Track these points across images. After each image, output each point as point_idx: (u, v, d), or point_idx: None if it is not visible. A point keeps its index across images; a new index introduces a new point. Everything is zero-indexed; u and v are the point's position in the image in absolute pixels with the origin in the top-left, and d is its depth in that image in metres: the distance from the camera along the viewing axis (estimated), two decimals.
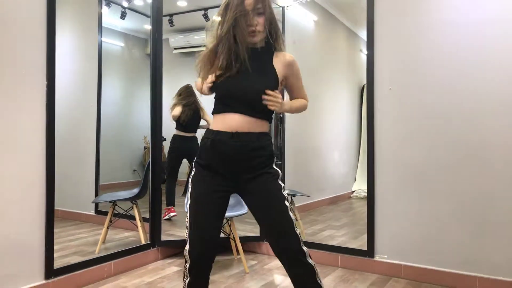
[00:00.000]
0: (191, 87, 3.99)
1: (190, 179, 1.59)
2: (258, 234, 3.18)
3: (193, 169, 1.59)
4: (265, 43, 1.60)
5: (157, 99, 3.07)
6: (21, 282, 2.16)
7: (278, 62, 1.61)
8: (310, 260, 1.51)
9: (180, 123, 3.88)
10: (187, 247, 1.54)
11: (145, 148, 4.43)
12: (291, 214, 1.53)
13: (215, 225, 1.54)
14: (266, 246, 3.17)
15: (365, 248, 2.77)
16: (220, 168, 1.54)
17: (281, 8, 4.03)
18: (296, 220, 2.85)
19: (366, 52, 2.93)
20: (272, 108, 1.53)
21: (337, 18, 5.14)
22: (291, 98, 1.74)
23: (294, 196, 3.52)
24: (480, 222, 2.42)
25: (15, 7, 2.15)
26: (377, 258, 2.73)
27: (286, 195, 1.54)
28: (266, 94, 1.52)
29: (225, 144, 1.52)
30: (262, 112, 1.56)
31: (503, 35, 2.38)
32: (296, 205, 3.60)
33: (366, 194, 4.87)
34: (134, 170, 4.44)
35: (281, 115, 3.92)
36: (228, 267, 2.84)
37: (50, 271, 2.28)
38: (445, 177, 2.53)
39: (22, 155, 2.18)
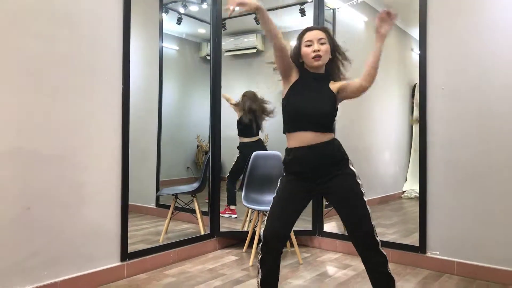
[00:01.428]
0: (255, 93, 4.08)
1: (280, 179, 1.91)
2: (311, 229, 3.32)
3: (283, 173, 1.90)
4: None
5: (216, 99, 3.30)
6: (100, 263, 2.46)
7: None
8: (383, 250, 1.76)
9: (240, 128, 4.02)
10: (263, 229, 1.83)
11: (197, 146, 4.70)
12: (368, 208, 1.77)
13: (291, 217, 1.84)
14: (318, 240, 3.32)
15: (417, 244, 2.84)
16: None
17: (331, 11, 4.14)
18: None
19: (417, 52, 2.99)
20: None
21: None
22: (350, 91, 1.88)
23: None
24: None
25: (96, 18, 2.46)
26: (429, 254, 2.79)
27: (363, 191, 1.78)
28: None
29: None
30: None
31: None
32: None
33: (417, 194, 4.86)
34: (188, 167, 4.72)
35: None
36: (283, 258, 3.00)
37: (125, 254, 2.57)
38: (498, 176, 2.56)
39: (103, 151, 2.49)
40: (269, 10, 4.91)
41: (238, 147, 4.07)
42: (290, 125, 1.85)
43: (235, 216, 4.00)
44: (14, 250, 2.10)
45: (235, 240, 3.35)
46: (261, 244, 1.82)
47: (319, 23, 3.46)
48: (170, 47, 4.38)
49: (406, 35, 5.59)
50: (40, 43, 2.21)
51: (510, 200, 2.52)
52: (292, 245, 3.19)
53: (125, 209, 2.59)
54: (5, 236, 2.07)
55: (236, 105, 4.05)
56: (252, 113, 3.91)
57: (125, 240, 2.58)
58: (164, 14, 4.15)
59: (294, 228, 3.19)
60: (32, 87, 2.18)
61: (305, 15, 4.04)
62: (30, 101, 2.18)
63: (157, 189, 4.03)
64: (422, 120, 2.85)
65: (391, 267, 2.79)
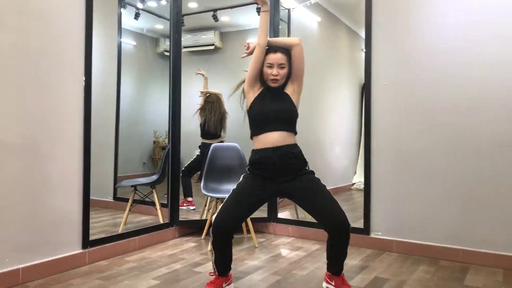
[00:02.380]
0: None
1: (243, 175, 2.16)
2: (266, 216, 3.55)
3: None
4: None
5: (176, 93, 3.43)
6: (62, 250, 2.55)
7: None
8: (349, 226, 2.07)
9: (203, 130, 4.23)
10: (216, 214, 2.04)
11: (154, 142, 4.78)
12: (334, 197, 2.06)
13: (243, 212, 2.09)
14: (272, 227, 3.54)
15: (362, 227, 3.14)
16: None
17: (287, 10, 4.37)
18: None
19: (364, 50, 3.27)
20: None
21: (340, 19, 5.46)
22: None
23: None
24: (465, 201, 2.79)
25: (59, 13, 2.53)
26: (372, 235, 3.10)
27: (324, 185, 2.09)
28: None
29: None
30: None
31: (487, 36, 2.74)
32: None
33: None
34: (144, 163, 4.78)
35: None
36: (240, 243, 3.22)
37: (86, 242, 2.67)
38: (432, 164, 2.90)
39: (67, 144, 2.57)
40: (227, 8, 5.06)
41: (199, 147, 4.24)
42: (256, 128, 2.11)
43: (193, 207, 4.15)
44: None
45: (194, 228, 3.51)
46: (212, 227, 2.03)
47: (274, 23, 3.68)
48: (128, 42, 4.42)
49: (356, 36, 5.93)
50: (5, 36, 2.26)
51: (442, 185, 2.86)
52: (248, 232, 3.40)
53: (87, 199, 2.68)
54: None
55: (202, 109, 4.24)
56: (217, 116, 4.14)
57: (87, 228, 2.67)
58: (121, 9, 4.19)
59: (251, 216, 3.42)
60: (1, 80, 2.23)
61: None
62: None
63: (115, 183, 4.08)
64: (367, 114, 3.15)
65: None
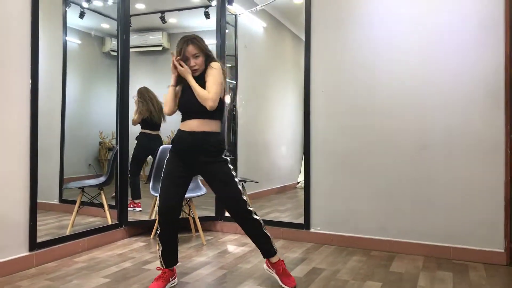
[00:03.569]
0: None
1: (166, 159, 2.34)
2: (214, 215, 3.71)
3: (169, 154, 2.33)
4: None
5: (124, 94, 3.50)
6: (9, 253, 2.56)
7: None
8: (255, 216, 2.30)
9: (148, 122, 4.26)
10: (157, 206, 2.26)
11: (100, 143, 4.77)
12: (239, 186, 2.29)
13: (177, 191, 2.30)
14: (220, 225, 3.71)
15: (303, 222, 3.39)
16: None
17: (234, 16, 4.54)
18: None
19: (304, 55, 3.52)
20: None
21: (284, 25, 5.71)
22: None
23: (245, 182, 4.08)
24: (390, 196, 3.12)
25: (4, 10, 2.53)
26: (312, 230, 3.36)
27: (234, 174, 2.31)
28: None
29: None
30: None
31: (406, 47, 3.08)
32: (247, 193, 4.14)
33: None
34: (90, 164, 4.75)
35: (234, 112, 4.45)
36: (188, 241, 3.36)
37: (33, 244, 2.69)
38: (364, 160, 3.21)
39: (11, 145, 2.57)
40: (174, 10, 5.15)
41: (136, 138, 4.25)
42: (182, 116, 2.34)
43: (140, 209, 4.20)
44: None
45: (143, 229, 3.60)
46: (158, 219, 2.26)
47: (221, 27, 3.85)
48: (73, 41, 4.37)
49: (301, 41, 6.20)
50: None
51: (371, 182, 3.18)
52: (197, 230, 3.55)
53: (34, 201, 2.70)
54: None
55: (141, 102, 4.27)
56: (159, 105, 4.23)
57: (34, 230, 2.70)
58: (66, 8, 4.15)
59: (199, 214, 3.57)
60: None
61: (209, 18, 4.35)
62: None
63: (61, 185, 4.05)
64: (307, 117, 3.40)
65: (282, 242, 3.33)
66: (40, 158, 2.77)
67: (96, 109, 4.68)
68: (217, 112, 2.30)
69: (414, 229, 3.04)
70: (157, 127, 4.25)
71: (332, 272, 2.65)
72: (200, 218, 3.46)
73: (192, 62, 2.25)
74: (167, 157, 2.35)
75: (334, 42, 3.34)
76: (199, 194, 3.34)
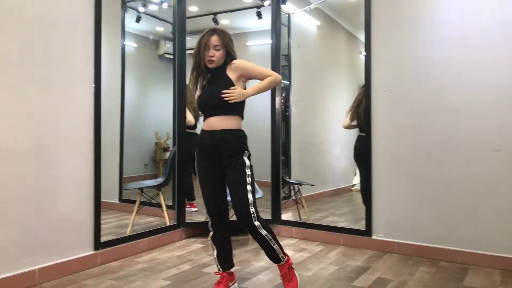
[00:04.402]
0: None
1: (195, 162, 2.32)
2: (270, 217, 3.64)
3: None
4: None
5: (181, 95, 3.51)
6: (75, 252, 2.63)
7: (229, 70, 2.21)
8: (262, 231, 2.14)
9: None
10: (206, 210, 2.29)
11: (156, 143, 4.85)
12: (249, 196, 2.12)
13: (217, 193, 2.27)
14: (277, 228, 3.64)
15: (364, 228, 3.23)
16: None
17: (287, 15, 4.45)
18: (303, 206, 3.42)
19: (364, 54, 3.37)
20: (232, 101, 2.13)
21: (338, 23, 5.54)
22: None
23: (300, 185, 3.98)
24: (462, 203, 2.88)
25: (68, 19, 2.61)
26: (374, 236, 3.20)
27: (248, 180, 2.14)
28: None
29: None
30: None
31: (479, 47, 2.84)
32: (302, 195, 4.04)
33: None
34: (146, 164, 4.85)
35: (287, 113, 4.36)
36: (244, 245, 3.31)
37: (98, 244, 2.75)
38: (431, 166, 3.00)
39: (76, 147, 2.64)
40: (227, 11, 5.14)
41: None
42: (203, 116, 2.27)
43: (196, 209, 4.21)
44: None
45: (200, 230, 3.59)
46: (209, 223, 2.27)
47: (276, 27, 3.77)
48: (130, 45, 4.48)
49: (354, 38, 5.99)
50: (16, 44, 2.34)
51: (441, 186, 2.96)
52: None
53: (98, 201, 2.76)
54: None
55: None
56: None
57: (98, 230, 2.76)
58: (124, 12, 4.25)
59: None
60: (7, 87, 2.31)
61: (261, 18, 4.30)
62: (6, 100, 2.30)
63: (120, 185, 4.16)
64: (367, 118, 3.24)
65: (342, 249, 3.19)
66: (102, 159, 2.83)
67: (152, 110, 4.78)
68: (237, 107, 2.20)
69: (488, 239, 2.80)
70: (194, 126, 4.18)
71: (399, 283, 2.49)
72: None
73: (211, 52, 2.15)
74: (196, 165, 2.31)
75: (396, 40, 3.15)
76: (256, 197, 3.27)
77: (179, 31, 3.50)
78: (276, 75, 2.23)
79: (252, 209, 2.11)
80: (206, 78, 2.25)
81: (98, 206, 2.76)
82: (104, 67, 2.86)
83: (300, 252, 3.12)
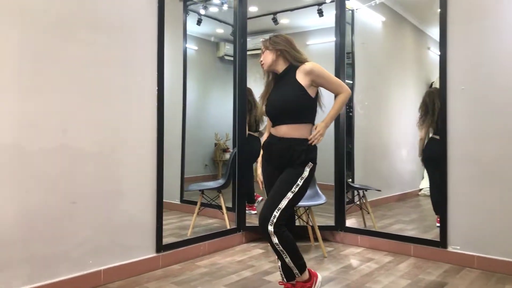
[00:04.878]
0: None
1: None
2: (333, 224, 3.45)
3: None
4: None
5: (242, 97, 3.43)
6: (138, 253, 2.63)
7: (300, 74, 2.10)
8: (274, 239, 1.99)
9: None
10: None
11: (215, 144, 4.84)
12: (283, 201, 2.01)
13: None
14: (340, 236, 3.44)
15: (438, 239, 2.94)
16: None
17: (350, 11, 4.24)
18: (368, 212, 3.19)
19: (433, 50, 3.08)
20: (318, 142, 2.10)
21: (405, 18, 5.21)
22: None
23: (366, 191, 3.74)
24: None
25: (132, 23, 2.61)
26: (450, 248, 2.90)
27: (293, 189, 2.02)
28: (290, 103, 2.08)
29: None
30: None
31: None
32: (368, 200, 3.80)
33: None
34: (206, 165, 4.85)
35: (350, 114, 4.14)
36: (307, 252, 3.16)
37: (160, 246, 2.73)
38: None
39: (140, 148, 2.65)
40: (287, 10, 5.00)
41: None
42: (272, 121, 2.21)
43: (255, 212, 4.13)
44: (62, 241, 2.27)
45: (261, 234, 3.49)
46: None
47: (340, 24, 3.58)
48: (191, 47, 4.50)
49: (422, 34, 5.63)
50: (82, 47, 2.37)
51: None
52: (316, 240, 3.33)
53: (160, 203, 2.75)
54: (54, 228, 2.24)
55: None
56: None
57: (160, 232, 2.74)
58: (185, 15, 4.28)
59: (318, 223, 3.34)
60: (75, 90, 2.35)
61: (322, 16, 4.14)
62: (74, 103, 2.34)
63: (182, 186, 4.18)
64: (442, 118, 2.95)
65: (413, 261, 2.94)
66: (164, 160, 2.82)
67: (212, 112, 4.78)
68: (308, 115, 2.12)
69: None
70: (252, 127, 4.09)
71: None
72: (319, 227, 3.22)
73: (261, 57, 2.20)
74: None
75: (477, 34, 2.82)
76: (319, 203, 3.11)
77: (240, 33, 3.43)
78: (347, 92, 2.13)
79: (275, 213, 1.99)
80: (272, 82, 2.22)
81: (160, 208, 2.74)
82: (166, 70, 2.87)
83: (367, 263, 2.91)
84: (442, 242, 2.92)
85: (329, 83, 2.11)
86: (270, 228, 1.98)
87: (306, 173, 2.06)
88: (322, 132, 2.09)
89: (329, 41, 5.16)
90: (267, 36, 2.22)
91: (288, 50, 2.13)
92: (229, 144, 4.61)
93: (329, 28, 5.43)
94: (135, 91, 2.63)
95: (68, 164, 2.31)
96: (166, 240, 2.88)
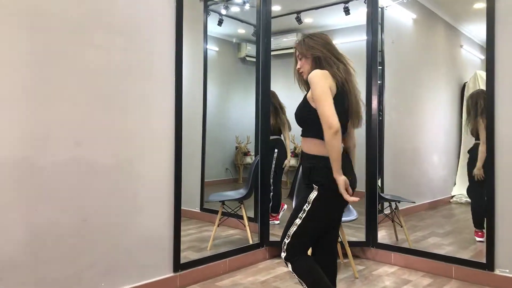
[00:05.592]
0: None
1: None
2: (363, 240, 3.15)
3: None
4: None
5: (266, 100, 3.18)
6: (155, 273, 2.40)
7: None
8: (289, 266, 1.78)
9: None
10: None
11: (236, 148, 4.61)
12: (292, 228, 1.76)
13: None
14: (372, 252, 3.14)
15: (483, 260, 2.62)
16: None
17: (380, 9, 3.94)
18: (401, 226, 2.83)
19: (466, 48, 2.77)
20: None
21: (437, 14, 4.92)
22: None
23: (399, 202, 3.43)
24: None
25: (150, 27, 2.39)
26: (497, 271, 2.57)
27: (300, 215, 1.75)
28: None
29: None
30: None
31: None
32: (399, 209, 3.49)
33: (467, 199, 4.58)
34: (227, 169, 4.63)
35: (380, 118, 3.83)
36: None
37: (177, 265, 2.50)
38: None
39: (157, 160, 2.42)
40: (311, 9, 4.74)
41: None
42: None
43: (278, 222, 3.90)
44: (73, 261, 2.06)
45: None
46: None
47: (372, 21, 3.29)
48: (211, 48, 4.31)
49: (455, 30, 5.28)
50: (98, 53, 2.16)
51: None
52: (345, 256, 3.04)
53: (178, 219, 2.51)
54: (64, 247, 2.03)
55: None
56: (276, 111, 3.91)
57: (178, 251, 2.51)
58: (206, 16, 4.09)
59: (348, 238, 3.06)
60: (90, 97, 2.13)
61: (349, 14, 3.88)
62: (88, 111, 2.13)
63: (202, 193, 3.96)
64: (490, 124, 2.62)
65: (455, 284, 2.62)
66: (183, 166, 2.60)
67: (233, 114, 4.59)
68: (309, 127, 1.77)
69: None
70: (274, 131, 3.88)
71: None
72: (349, 242, 2.93)
73: (298, 64, 1.87)
74: None
75: None
76: (349, 219, 2.81)
77: (264, 33, 3.18)
78: (328, 132, 1.62)
79: (285, 240, 1.78)
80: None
81: (178, 223, 2.51)
82: (187, 72, 2.66)
83: (404, 285, 2.60)
84: (489, 264, 2.59)
85: (316, 103, 1.69)
86: (282, 255, 1.80)
87: (312, 196, 1.72)
88: (339, 184, 1.66)
89: (356, 40, 4.87)
90: (299, 36, 1.93)
91: (325, 57, 1.79)
92: (250, 147, 4.43)
93: (355, 26, 5.13)
94: (152, 97, 2.40)
95: (81, 178, 2.09)
96: (184, 255, 2.67)
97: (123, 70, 2.26)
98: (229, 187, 4.57)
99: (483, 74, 5.20)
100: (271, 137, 3.84)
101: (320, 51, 1.79)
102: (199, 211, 3.96)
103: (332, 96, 1.68)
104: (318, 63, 1.79)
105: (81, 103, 2.10)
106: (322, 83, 1.67)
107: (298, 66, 1.86)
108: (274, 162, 3.84)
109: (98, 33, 2.16)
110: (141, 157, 2.34)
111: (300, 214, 1.75)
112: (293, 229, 1.76)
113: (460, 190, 4.61)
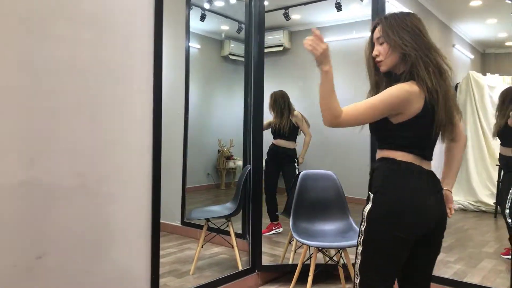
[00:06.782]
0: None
1: None
2: None
3: None
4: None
5: (259, 103, 2.80)
6: None
7: None
8: None
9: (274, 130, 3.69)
10: None
11: (218, 151, 4.25)
12: (357, 259, 1.43)
13: None
14: None
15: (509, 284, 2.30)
16: None
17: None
18: None
19: (458, 47, 2.47)
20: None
21: (431, 12, 4.72)
22: None
23: None
24: None
25: (124, 19, 1.95)
26: None
27: (361, 228, 1.44)
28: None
29: None
30: None
31: None
32: None
33: (461, 206, 4.31)
34: (208, 174, 4.28)
35: None
36: None
37: None
38: None
39: (133, 177, 1.99)
40: (300, 5, 4.34)
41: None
42: None
43: (281, 229, 3.64)
44: None
45: (279, 273, 2.82)
46: None
47: (378, 13, 2.86)
48: (193, 46, 3.92)
49: (448, 30, 5.07)
50: (59, 46, 1.70)
51: None
52: (347, 280, 2.68)
53: (157, 255, 2.07)
54: None
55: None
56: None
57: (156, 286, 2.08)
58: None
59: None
60: (49, 105, 1.67)
61: (341, 10, 3.58)
62: (46, 122, 1.67)
63: (183, 204, 3.55)
64: None
65: None
66: (162, 172, 2.18)
67: (215, 116, 4.25)
68: (386, 139, 1.45)
69: None
70: (282, 136, 3.64)
71: None
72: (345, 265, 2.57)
73: (375, 49, 1.43)
74: None
75: None
76: (353, 244, 2.41)
77: (257, 29, 2.80)
78: (331, 118, 1.30)
79: (356, 280, 1.38)
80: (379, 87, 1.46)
81: (156, 256, 2.06)
82: (167, 71, 2.25)
83: None
84: None
85: (370, 98, 1.41)
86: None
87: (366, 209, 1.37)
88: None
89: (348, 38, 4.54)
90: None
91: (417, 57, 1.35)
92: (234, 151, 4.13)
93: (347, 24, 4.81)
94: (127, 102, 1.93)
95: (36, 205, 1.63)
96: (164, 283, 2.30)
97: (91, 69, 1.81)
98: (211, 193, 4.22)
99: (475, 75, 4.96)
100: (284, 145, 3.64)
101: (413, 49, 1.35)
102: (179, 225, 3.55)
103: (411, 117, 1.34)
104: (404, 63, 1.38)
105: (39, 111, 1.65)
106: (397, 95, 1.32)
107: (376, 52, 1.43)
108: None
109: (60, 23, 1.71)
110: (114, 175, 1.90)
111: (359, 238, 1.38)
112: (357, 261, 1.38)
113: (454, 196, 4.37)
